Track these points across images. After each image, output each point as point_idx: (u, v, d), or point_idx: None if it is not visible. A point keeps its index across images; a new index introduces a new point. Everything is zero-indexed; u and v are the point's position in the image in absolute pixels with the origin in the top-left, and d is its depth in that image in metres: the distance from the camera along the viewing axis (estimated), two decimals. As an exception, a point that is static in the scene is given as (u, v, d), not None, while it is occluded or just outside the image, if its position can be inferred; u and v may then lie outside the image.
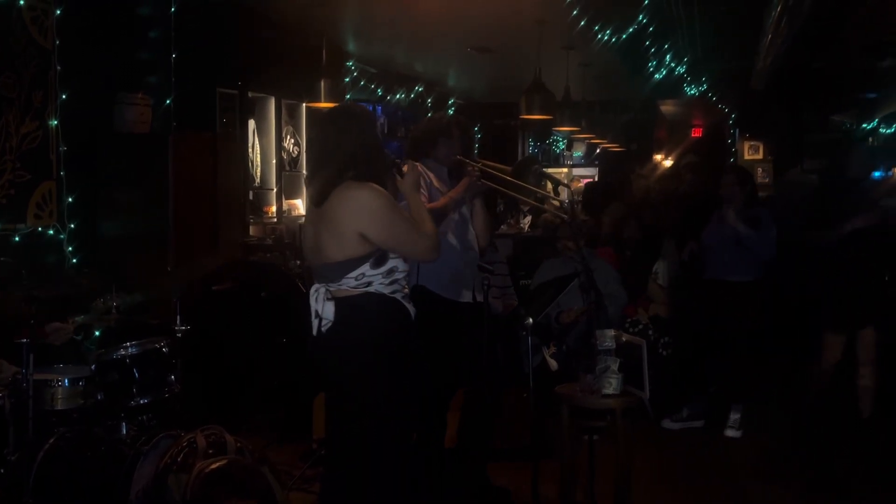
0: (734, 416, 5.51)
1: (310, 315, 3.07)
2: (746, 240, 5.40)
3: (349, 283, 2.99)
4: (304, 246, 3.20)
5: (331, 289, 3.00)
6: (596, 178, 13.67)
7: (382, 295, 3.03)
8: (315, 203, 3.04)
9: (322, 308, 2.97)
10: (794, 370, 6.92)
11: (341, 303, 2.99)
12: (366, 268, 2.98)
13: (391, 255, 3.03)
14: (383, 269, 3.01)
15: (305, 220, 3.24)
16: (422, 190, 3.84)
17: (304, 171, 7.76)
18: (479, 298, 4.02)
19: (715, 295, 5.56)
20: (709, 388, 5.68)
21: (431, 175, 4.01)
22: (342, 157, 3.02)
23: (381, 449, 3.06)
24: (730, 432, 5.49)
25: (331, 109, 3.37)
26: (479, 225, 4.13)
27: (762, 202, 5.84)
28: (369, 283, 2.99)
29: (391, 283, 3.04)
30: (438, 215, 3.80)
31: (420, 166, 3.95)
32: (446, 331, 3.96)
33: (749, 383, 5.62)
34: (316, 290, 3.03)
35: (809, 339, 5.73)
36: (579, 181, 13.41)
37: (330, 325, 2.98)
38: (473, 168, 4.05)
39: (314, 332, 3.02)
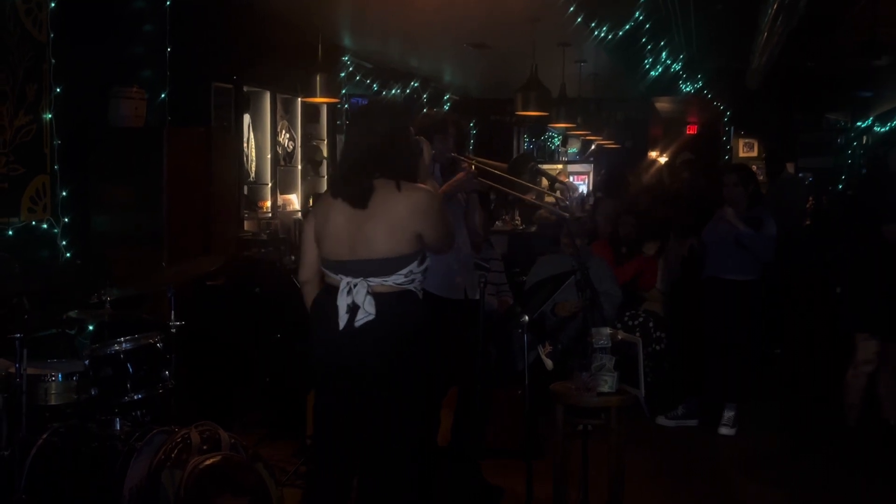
0: (728, 414, 5.51)
1: (302, 309, 3.10)
2: (745, 240, 5.38)
3: (397, 280, 3.02)
4: (334, 240, 3.07)
5: (371, 284, 3.00)
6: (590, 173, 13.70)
7: (415, 293, 3.10)
8: (357, 205, 3.02)
9: (363, 302, 2.97)
10: (790, 368, 6.98)
11: (381, 298, 3.00)
12: (414, 265, 3.05)
13: (427, 255, 3.12)
14: (423, 267, 3.10)
15: (335, 215, 3.07)
16: None
17: (300, 166, 7.77)
18: (472, 295, 4.01)
19: (713, 293, 5.56)
20: (703, 385, 5.69)
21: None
22: (368, 155, 3.05)
23: (413, 442, 3.10)
24: (724, 430, 5.50)
25: (360, 107, 3.40)
26: (474, 221, 4.12)
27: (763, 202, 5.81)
28: (413, 280, 3.06)
29: (422, 281, 3.13)
30: None
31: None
32: (437, 328, 3.96)
33: (744, 382, 5.63)
34: (349, 284, 3.00)
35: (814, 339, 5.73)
36: (566, 176, 13.41)
37: (369, 318, 2.98)
38: (469, 165, 4.05)
39: (342, 326, 2.99)
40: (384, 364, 3.02)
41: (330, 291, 3.07)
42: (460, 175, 3.95)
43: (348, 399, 3.08)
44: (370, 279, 3.00)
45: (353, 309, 2.99)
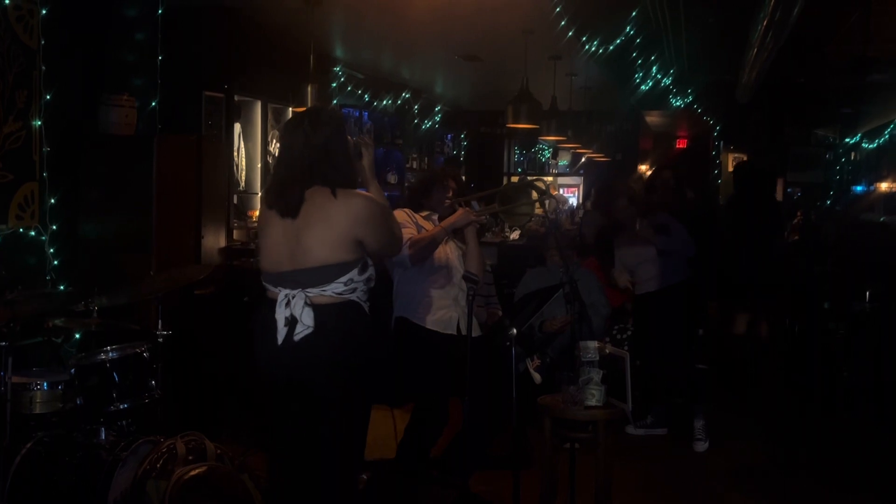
0: (698, 425, 5.51)
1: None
2: (666, 246, 5.52)
3: (336, 289, 2.93)
4: (272, 253, 3.00)
5: (310, 294, 2.91)
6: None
7: (359, 304, 3.00)
8: (288, 215, 2.95)
9: (301, 314, 2.87)
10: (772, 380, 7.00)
11: (321, 310, 2.91)
12: (354, 273, 2.96)
13: (370, 263, 3.04)
14: (365, 276, 3.01)
15: (271, 227, 3.02)
16: (410, 228, 4.03)
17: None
18: (465, 331, 3.98)
19: (646, 308, 5.70)
20: (674, 398, 5.72)
21: (424, 221, 4.17)
22: (302, 165, 2.96)
23: (352, 455, 3.06)
24: (698, 446, 5.47)
25: (294, 115, 3.21)
26: (473, 256, 4.14)
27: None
28: (354, 290, 2.96)
29: (366, 291, 3.03)
30: (429, 244, 3.97)
31: (408, 211, 4.18)
32: (428, 362, 4.02)
33: (702, 388, 5.65)
34: (287, 296, 2.91)
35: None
36: (555, 189, 13.47)
37: (308, 332, 2.88)
38: (462, 207, 4.19)
39: (280, 340, 2.90)
40: (325, 378, 2.91)
41: (270, 305, 2.97)
42: (459, 211, 4.09)
43: (293, 412, 2.99)
44: (308, 290, 2.90)
45: (292, 322, 2.88)
